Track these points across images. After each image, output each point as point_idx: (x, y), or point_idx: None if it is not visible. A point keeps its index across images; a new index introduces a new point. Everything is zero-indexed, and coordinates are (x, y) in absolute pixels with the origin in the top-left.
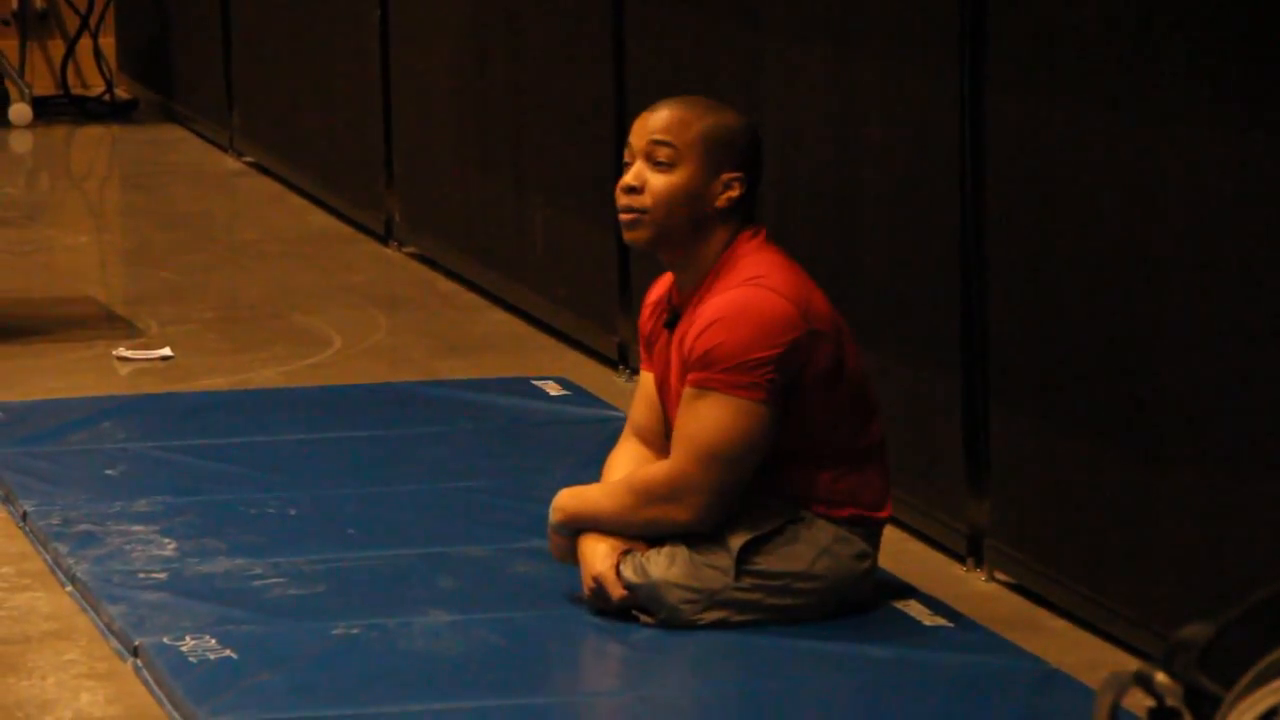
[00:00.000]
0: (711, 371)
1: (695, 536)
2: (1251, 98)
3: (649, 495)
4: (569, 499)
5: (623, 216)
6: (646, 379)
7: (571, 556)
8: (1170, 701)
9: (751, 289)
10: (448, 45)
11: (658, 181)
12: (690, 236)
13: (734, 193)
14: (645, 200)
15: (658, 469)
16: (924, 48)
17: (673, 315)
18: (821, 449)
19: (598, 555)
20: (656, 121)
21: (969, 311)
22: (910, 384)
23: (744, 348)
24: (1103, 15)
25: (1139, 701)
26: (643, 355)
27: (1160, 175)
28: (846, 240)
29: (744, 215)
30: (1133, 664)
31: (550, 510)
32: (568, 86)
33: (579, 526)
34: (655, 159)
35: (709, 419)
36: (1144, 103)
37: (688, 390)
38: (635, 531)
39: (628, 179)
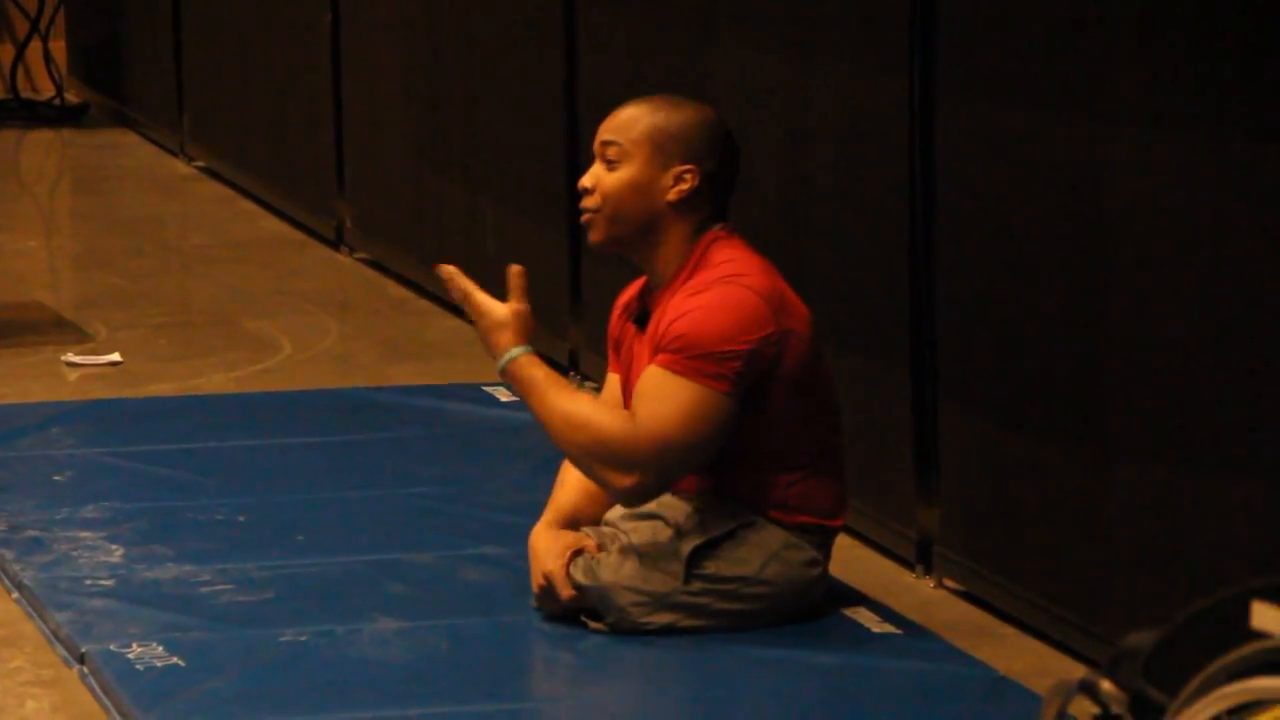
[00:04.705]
0: (682, 356)
1: (647, 543)
2: (1202, 101)
3: (597, 448)
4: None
5: (581, 219)
6: (612, 380)
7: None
8: (1115, 709)
9: (731, 285)
10: (399, 50)
11: (606, 179)
12: (646, 232)
13: (685, 185)
14: (596, 199)
15: (615, 429)
16: (874, 51)
17: (642, 313)
18: (781, 453)
19: (550, 554)
20: (608, 122)
21: (918, 317)
22: (860, 390)
23: (717, 338)
24: (1054, 20)
25: (1085, 709)
26: (610, 357)
27: (1109, 177)
28: (796, 244)
29: (710, 210)
30: (1081, 671)
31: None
32: (519, 92)
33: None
34: (606, 158)
35: (672, 402)
36: (1091, 107)
37: (656, 368)
38: (565, 452)
39: (582, 180)
